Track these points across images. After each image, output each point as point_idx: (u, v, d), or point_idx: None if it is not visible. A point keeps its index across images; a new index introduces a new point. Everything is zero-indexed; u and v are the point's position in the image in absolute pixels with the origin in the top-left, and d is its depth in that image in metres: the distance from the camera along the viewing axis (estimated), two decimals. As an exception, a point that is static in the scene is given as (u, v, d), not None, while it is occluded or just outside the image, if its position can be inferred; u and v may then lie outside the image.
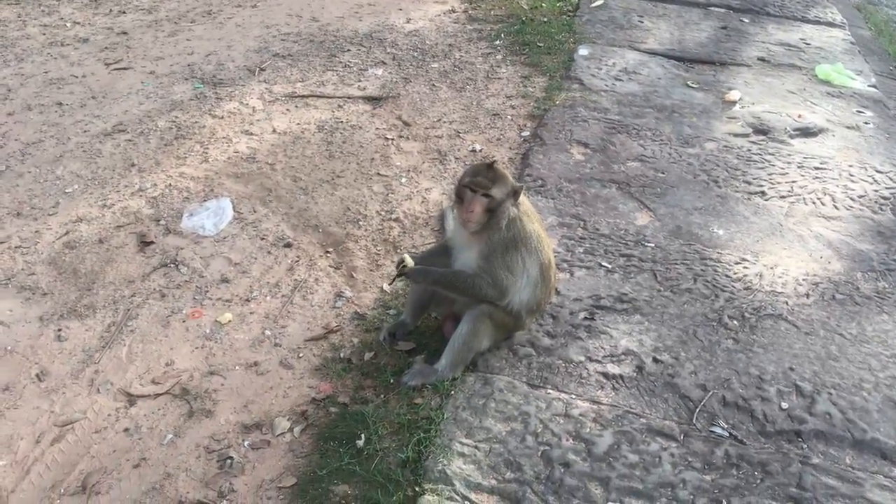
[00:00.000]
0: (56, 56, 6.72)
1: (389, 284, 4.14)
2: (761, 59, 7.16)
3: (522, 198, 3.42)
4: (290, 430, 3.30)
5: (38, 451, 3.17)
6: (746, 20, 8.11)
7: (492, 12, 8.06)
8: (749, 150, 5.56)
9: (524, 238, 3.33)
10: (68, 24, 7.43)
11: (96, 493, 3.00)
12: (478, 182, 3.24)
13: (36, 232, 4.44)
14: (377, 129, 5.72)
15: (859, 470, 3.16)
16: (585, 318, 3.89)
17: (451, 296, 3.48)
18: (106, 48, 6.92)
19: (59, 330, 3.78)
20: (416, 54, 6.98)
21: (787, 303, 4.09)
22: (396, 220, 4.71)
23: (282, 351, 3.74)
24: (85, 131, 5.51)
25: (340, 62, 6.75)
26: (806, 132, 5.88)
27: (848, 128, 6.01)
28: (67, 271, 4.16)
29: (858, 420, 3.37)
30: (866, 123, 6.10)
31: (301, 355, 3.71)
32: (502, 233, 3.30)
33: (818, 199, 5.02)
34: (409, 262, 3.41)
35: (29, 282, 4.07)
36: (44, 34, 7.17)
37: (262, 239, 4.48)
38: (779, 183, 5.17)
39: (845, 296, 4.17)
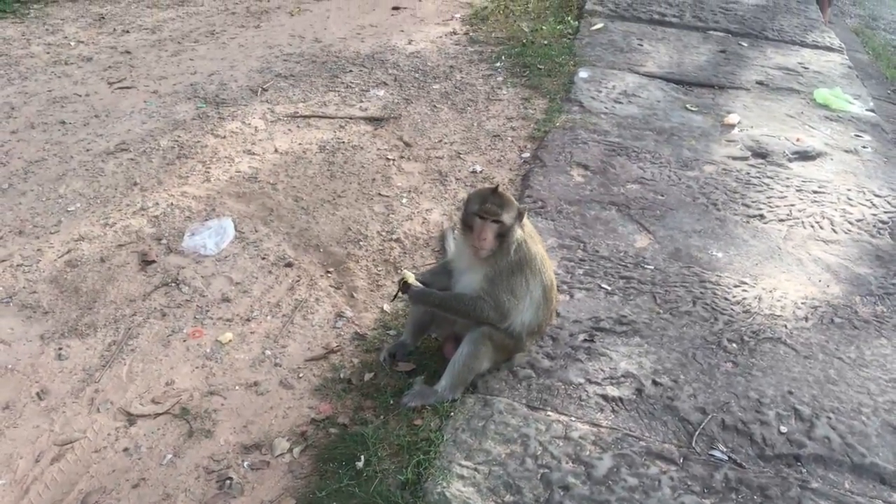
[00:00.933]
0: (60, 75, 6.77)
1: (391, 302, 4.15)
2: (760, 83, 7.21)
3: (525, 219, 3.44)
4: (290, 450, 3.30)
5: (37, 471, 3.17)
6: (745, 44, 8.17)
7: (493, 34, 8.13)
8: (748, 174, 5.59)
9: (529, 261, 3.35)
10: (72, 43, 7.48)
11: (95, 513, 3.00)
12: (488, 209, 3.23)
13: (38, 250, 4.46)
14: (378, 149, 5.76)
15: (858, 495, 3.16)
16: (585, 340, 3.90)
17: (451, 318, 3.50)
18: (109, 67, 6.97)
19: (60, 349, 3.79)
20: (417, 75, 7.03)
21: (785, 326, 4.10)
22: (397, 240, 4.73)
23: (282, 371, 3.75)
24: (87, 150, 5.54)
25: (342, 83, 6.80)
26: (804, 156, 5.91)
27: (846, 152, 6.05)
28: (69, 290, 4.18)
29: (857, 444, 3.38)
30: (864, 147, 6.14)
31: (301, 375, 3.72)
32: (510, 257, 3.31)
33: (816, 222, 5.05)
34: (412, 279, 3.43)
35: (30, 300, 4.09)
36: (48, 53, 7.23)
37: (263, 258, 4.50)
38: (777, 206, 5.19)
39: (844, 319, 4.19)
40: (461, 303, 3.37)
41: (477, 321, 3.37)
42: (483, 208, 3.25)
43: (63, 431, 3.35)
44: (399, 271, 4.42)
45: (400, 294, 3.51)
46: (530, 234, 3.44)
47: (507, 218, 3.25)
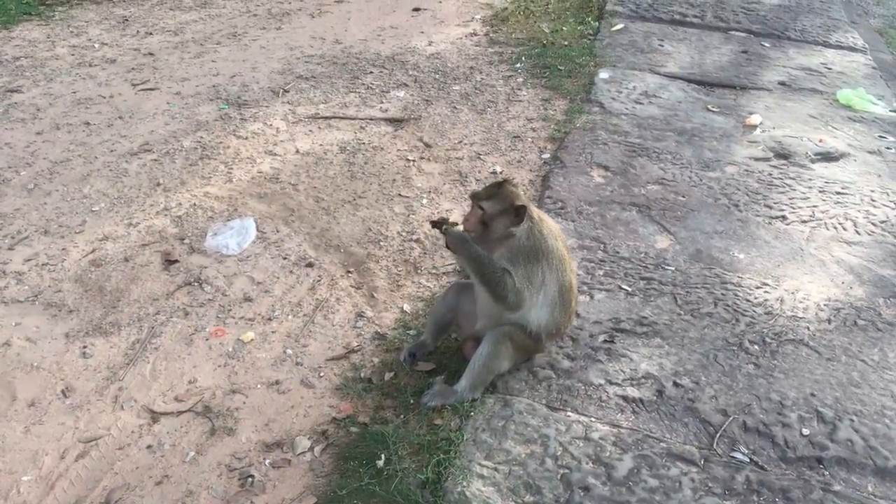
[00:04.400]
0: (84, 76, 6.85)
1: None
2: (782, 84, 7.16)
3: (545, 222, 3.41)
4: (311, 449, 3.32)
5: (62, 467, 3.21)
6: (767, 44, 8.12)
7: (513, 35, 8.13)
8: (770, 175, 5.56)
9: (546, 252, 3.32)
10: (96, 45, 7.57)
11: (119, 510, 3.04)
12: (475, 193, 3.40)
13: (63, 249, 4.51)
14: (399, 150, 5.77)
15: (881, 498, 3.13)
16: (605, 341, 3.89)
17: (472, 311, 3.49)
18: (133, 69, 7.04)
19: (85, 347, 3.83)
20: (437, 76, 7.04)
21: (808, 328, 4.07)
22: (417, 240, 4.74)
23: (303, 370, 3.77)
24: (112, 151, 5.60)
25: (363, 84, 6.83)
26: (827, 157, 5.87)
27: (870, 153, 5.99)
28: (93, 289, 4.22)
29: (881, 447, 3.35)
30: (888, 148, 6.08)
31: (322, 374, 3.74)
32: (521, 241, 3.32)
33: (840, 223, 5.01)
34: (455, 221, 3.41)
35: (55, 299, 4.14)
36: (72, 55, 7.31)
37: (285, 258, 4.53)
38: (800, 207, 5.16)
39: (867, 322, 4.15)
40: (492, 267, 3.28)
41: (495, 295, 3.31)
42: (473, 192, 3.42)
43: (87, 428, 3.39)
44: (419, 272, 4.44)
45: (439, 231, 3.40)
46: (553, 233, 3.41)
47: (488, 206, 3.32)
